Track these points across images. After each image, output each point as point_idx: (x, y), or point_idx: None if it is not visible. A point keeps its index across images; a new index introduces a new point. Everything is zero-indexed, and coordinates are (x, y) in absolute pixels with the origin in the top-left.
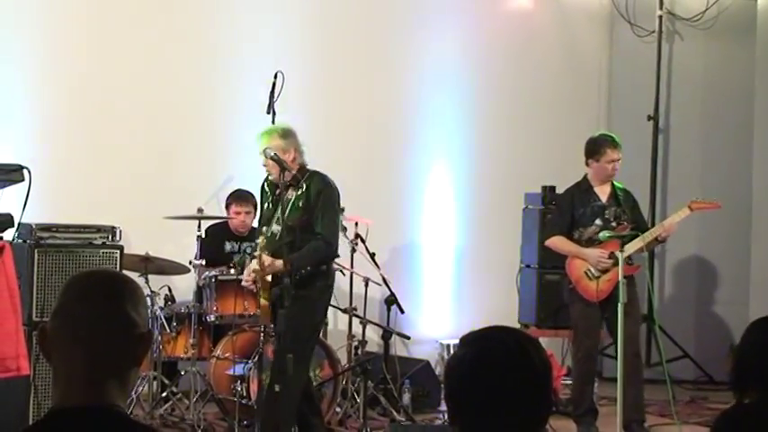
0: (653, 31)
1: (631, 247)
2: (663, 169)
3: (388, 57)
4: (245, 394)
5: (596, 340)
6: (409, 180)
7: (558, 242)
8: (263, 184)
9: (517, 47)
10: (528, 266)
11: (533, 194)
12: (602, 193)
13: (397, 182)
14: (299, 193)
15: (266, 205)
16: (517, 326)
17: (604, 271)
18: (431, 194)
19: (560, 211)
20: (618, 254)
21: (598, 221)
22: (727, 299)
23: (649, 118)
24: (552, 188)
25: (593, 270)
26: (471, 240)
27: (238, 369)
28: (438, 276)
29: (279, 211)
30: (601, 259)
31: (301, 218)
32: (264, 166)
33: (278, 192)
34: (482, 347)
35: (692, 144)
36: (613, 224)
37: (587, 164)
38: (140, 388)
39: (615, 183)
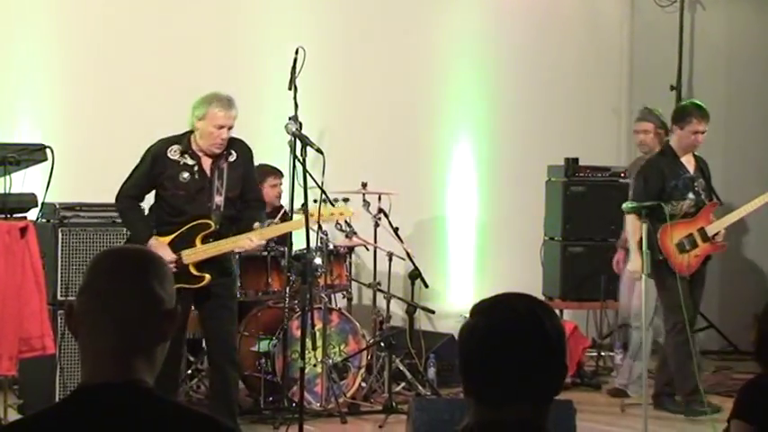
0: (675, 1)
1: (717, 226)
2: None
3: (411, 30)
4: (270, 370)
5: (690, 314)
6: (432, 153)
7: (635, 227)
8: (165, 154)
9: (538, 19)
10: (552, 239)
11: (556, 167)
12: (689, 164)
13: (419, 155)
14: (232, 161)
15: (184, 176)
16: (541, 299)
17: (694, 245)
18: (454, 167)
19: (647, 182)
20: (706, 229)
21: (691, 195)
22: (752, 268)
23: (672, 88)
24: (575, 160)
25: (685, 243)
26: (495, 213)
27: (263, 346)
28: (462, 250)
29: (216, 182)
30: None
31: (237, 188)
32: (220, 139)
33: (211, 163)
34: (493, 315)
35: (716, 113)
36: (702, 196)
37: (672, 130)
38: None
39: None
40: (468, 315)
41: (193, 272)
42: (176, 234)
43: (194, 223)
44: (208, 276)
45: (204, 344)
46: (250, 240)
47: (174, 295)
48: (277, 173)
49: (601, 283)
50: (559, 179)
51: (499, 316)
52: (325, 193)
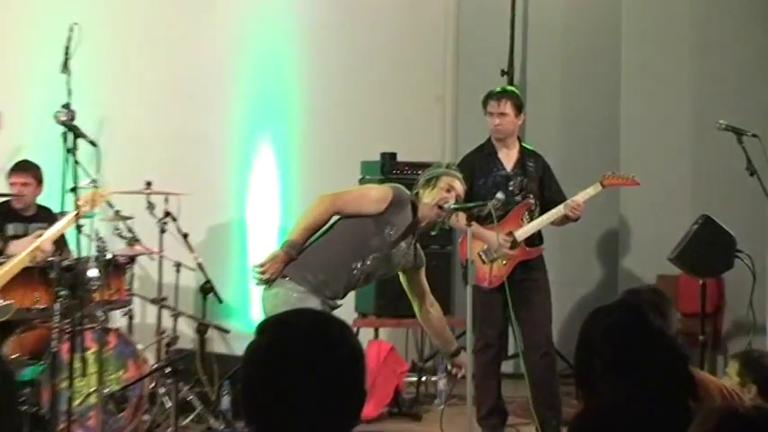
0: None
1: (527, 231)
2: (520, 130)
3: (203, 10)
4: (35, 402)
5: (499, 329)
6: (228, 149)
7: (453, 218)
8: None
9: None
10: None
11: (371, 163)
12: (508, 159)
13: (213, 151)
14: None
15: None
16: (353, 315)
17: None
18: (253, 165)
19: None
20: (516, 234)
21: (500, 195)
22: (593, 280)
23: (503, 73)
24: (393, 155)
25: (484, 255)
26: None
27: (28, 372)
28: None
29: None
30: (504, 244)
31: None
32: None
33: None
34: (279, 333)
35: (553, 101)
36: (518, 198)
37: None
38: None
39: (525, 145)
40: None
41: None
42: None
43: None
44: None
45: None
46: (41, 250)
47: None
48: (18, 170)
49: None
50: (375, 177)
51: (284, 335)
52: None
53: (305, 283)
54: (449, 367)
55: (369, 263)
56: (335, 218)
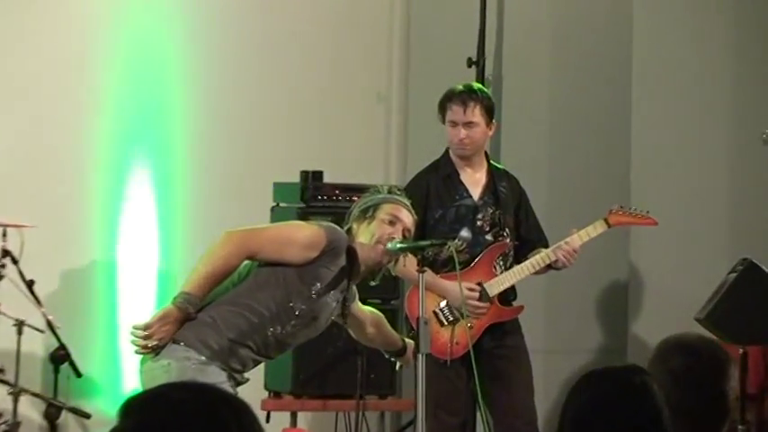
0: None
1: (502, 282)
2: (493, 138)
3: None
4: None
5: (462, 415)
6: (91, 168)
7: (401, 261)
8: None
9: None
10: None
11: (287, 185)
12: (474, 183)
13: (71, 170)
14: None
15: None
16: (263, 394)
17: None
18: (127, 190)
19: None
20: (487, 286)
21: (465, 232)
22: (593, 347)
23: (470, 63)
24: (317, 174)
25: (443, 313)
26: (190, 260)
27: None
28: (141, 316)
29: None
30: (471, 298)
31: None
32: None
33: None
34: (148, 416)
35: (538, 103)
36: (488, 236)
37: None
38: None
39: (494, 163)
40: None
41: None
42: None
43: None
44: None
45: None
46: None
47: None
48: None
49: (358, 371)
50: (292, 204)
51: (155, 418)
52: None
53: (206, 349)
54: (397, 366)
55: (288, 329)
56: (247, 262)
